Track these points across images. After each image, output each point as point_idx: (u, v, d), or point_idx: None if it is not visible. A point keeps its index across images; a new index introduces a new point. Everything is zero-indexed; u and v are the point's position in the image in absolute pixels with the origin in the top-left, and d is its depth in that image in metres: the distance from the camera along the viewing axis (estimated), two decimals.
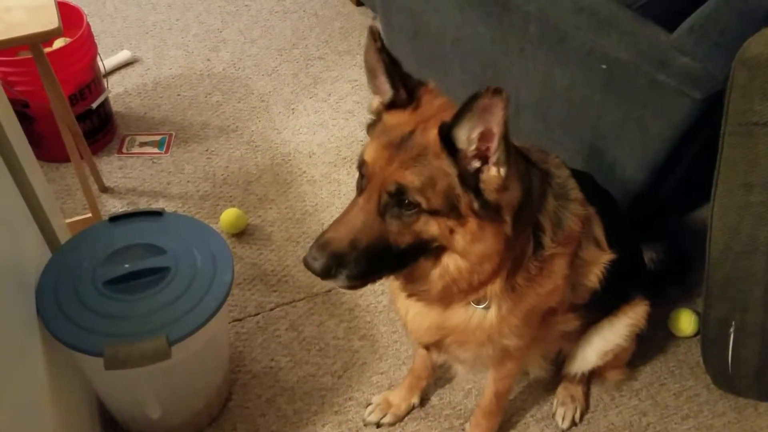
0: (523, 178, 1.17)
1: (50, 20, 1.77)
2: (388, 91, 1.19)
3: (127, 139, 2.63)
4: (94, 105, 2.45)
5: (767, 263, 1.49)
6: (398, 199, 1.11)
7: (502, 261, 1.20)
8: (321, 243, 1.13)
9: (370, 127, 1.23)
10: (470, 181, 1.10)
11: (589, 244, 1.38)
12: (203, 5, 3.31)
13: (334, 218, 1.17)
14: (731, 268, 1.56)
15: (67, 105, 2.07)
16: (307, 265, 1.13)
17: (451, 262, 1.19)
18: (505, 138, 1.05)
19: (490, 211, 1.12)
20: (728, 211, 1.50)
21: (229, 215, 2.28)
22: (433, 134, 1.10)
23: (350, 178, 2.47)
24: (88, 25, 2.38)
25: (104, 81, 2.56)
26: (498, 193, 1.11)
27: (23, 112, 2.28)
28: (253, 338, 2.03)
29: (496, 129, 1.04)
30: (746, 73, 1.32)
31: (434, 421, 1.86)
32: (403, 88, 1.18)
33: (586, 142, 1.92)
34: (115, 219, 1.69)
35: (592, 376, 1.90)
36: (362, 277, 1.15)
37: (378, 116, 1.21)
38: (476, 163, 1.10)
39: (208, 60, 3.00)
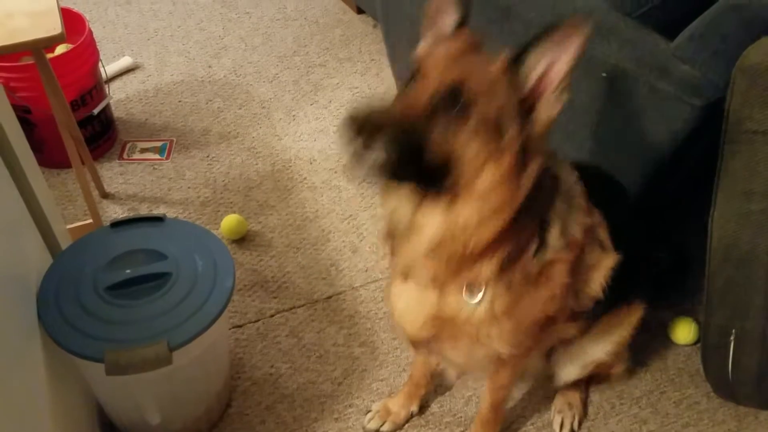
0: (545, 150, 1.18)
1: (53, 26, 1.77)
2: (451, 24, 1.22)
3: (128, 145, 2.64)
4: (96, 111, 2.46)
5: (767, 271, 1.49)
6: (454, 96, 1.08)
7: (505, 232, 1.16)
8: (366, 110, 1.07)
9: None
10: (526, 108, 1.11)
11: (594, 247, 1.38)
12: (204, 12, 3.33)
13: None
14: (731, 275, 1.56)
15: (68, 111, 2.07)
16: (351, 115, 1.05)
17: (465, 209, 1.13)
18: (571, 72, 1.07)
19: (529, 149, 1.12)
20: (728, 219, 1.50)
21: (229, 221, 2.28)
22: (501, 57, 1.11)
23: (350, 185, 2.48)
24: (90, 31, 2.38)
25: (106, 87, 2.57)
26: (545, 129, 1.12)
27: (25, 118, 2.28)
28: (253, 345, 2.03)
29: (568, 60, 1.06)
30: (746, 81, 1.33)
31: (434, 428, 1.86)
32: None
33: (585, 149, 1.92)
34: (116, 225, 1.69)
35: (590, 383, 1.90)
36: (380, 168, 1.07)
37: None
38: (534, 95, 1.11)
39: (210, 66, 3.01)
